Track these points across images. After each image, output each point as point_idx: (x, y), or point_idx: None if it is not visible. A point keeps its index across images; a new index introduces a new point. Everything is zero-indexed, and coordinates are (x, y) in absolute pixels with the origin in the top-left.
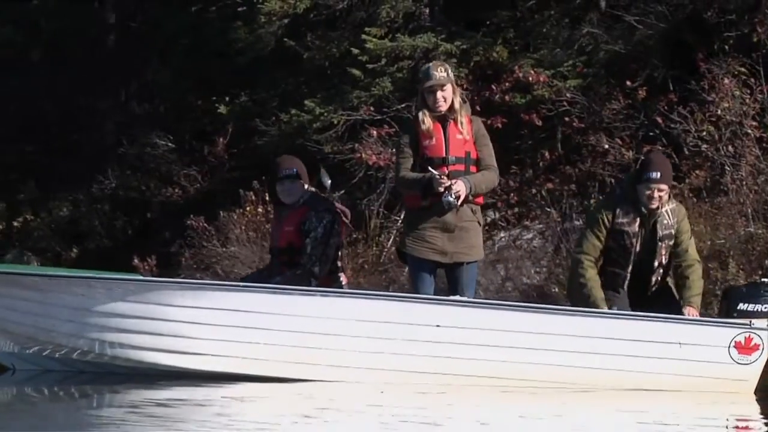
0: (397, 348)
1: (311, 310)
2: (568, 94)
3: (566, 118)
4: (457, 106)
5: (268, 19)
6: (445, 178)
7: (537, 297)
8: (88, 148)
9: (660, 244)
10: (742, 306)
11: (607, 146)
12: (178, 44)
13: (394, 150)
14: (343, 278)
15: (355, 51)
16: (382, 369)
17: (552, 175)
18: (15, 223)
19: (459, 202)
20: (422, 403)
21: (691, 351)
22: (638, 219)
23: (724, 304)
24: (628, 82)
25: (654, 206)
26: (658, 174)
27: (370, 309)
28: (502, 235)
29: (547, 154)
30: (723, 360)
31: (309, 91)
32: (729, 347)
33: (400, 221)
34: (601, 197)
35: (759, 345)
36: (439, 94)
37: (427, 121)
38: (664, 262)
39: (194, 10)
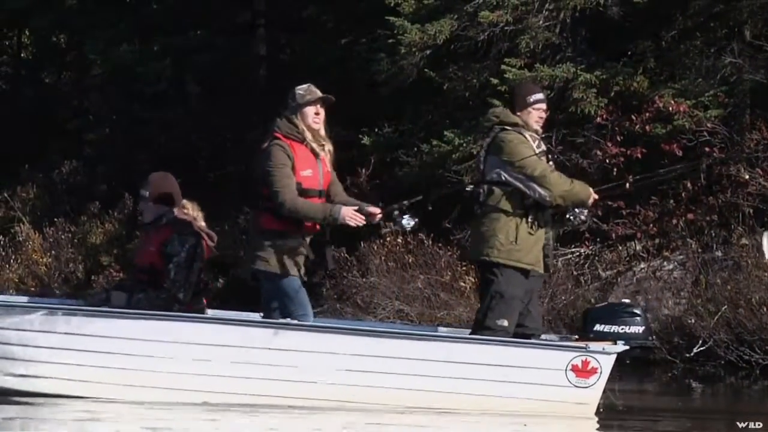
0: (227, 370)
1: (141, 332)
2: (708, 124)
3: (707, 149)
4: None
5: (408, 50)
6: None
7: (675, 329)
8: (236, 179)
9: None
10: (598, 327)
11: (747, 177)
12: (326, 76)
13: None
14: (204, 300)
15: (495, 81)
16: (212, 391)
17: (693, 205)
18: None
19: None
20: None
21: (530, 374)
22: None
23: (582, 325)
24: None
25: None
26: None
27: (200, 332)
28: (642, 266)
29: (689, 184)
30: (561, 383)
31: (451, 122)
32: (566, 370)
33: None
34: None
35: (597, 368)
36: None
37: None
38: None
39: (344, 42)
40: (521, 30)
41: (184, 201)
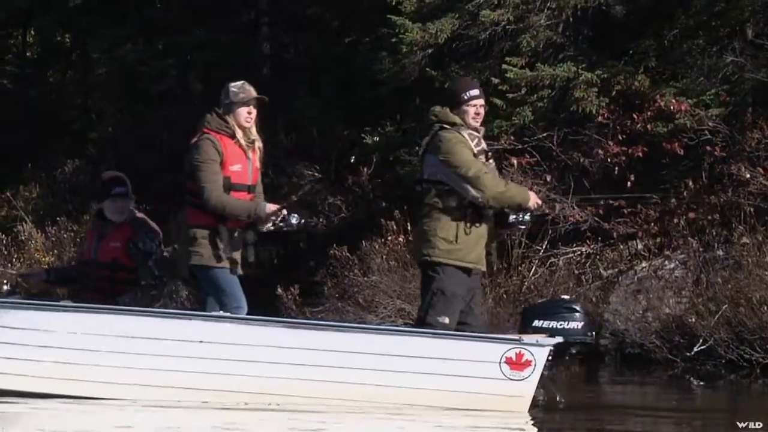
0: (162, 364)
1: (76, 326)
2: (710, 123)
3: (708, 147)
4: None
5: (410, 49)
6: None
7: (676, 328)
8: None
9: None
10: (537, 323)
11: (748, 175)
12: (329, 75)
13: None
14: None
15: (496, 80)
16: (148, 385)
17: (694, 204)
18: (164, 254)
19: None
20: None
21: (464, 367)
22: None
23: (521, 321)
24: None
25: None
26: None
27: (137, 325)
28: (643, 265)
29: (690, 183)
30: (495, 376)
31: None
32: (500, 363)
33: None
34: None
35: (531, 361)
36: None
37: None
38: None
39: (347, 41)
40: (522, 29)
41: None
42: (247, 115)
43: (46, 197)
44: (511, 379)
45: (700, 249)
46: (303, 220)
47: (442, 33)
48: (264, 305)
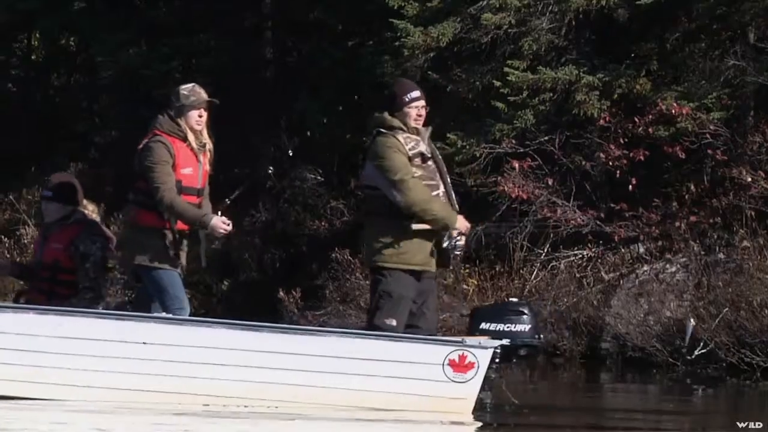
0: (105, 366)
1: (13, 327)
2: (711, 127)
3: (709, 151)
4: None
5: (411, 53)
6: None
7: (677, 331)
8: (242, 181)
9: None
10: (484, 325)
11: (750, 179)
12: (331, 79)
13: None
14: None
15: (497, 83)
16: (91, 387)
17: (696, 208)
18: None
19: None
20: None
21: (407, 369)
22: None
23: (470, 323)
24: None
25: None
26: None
27: (78, 327)
28: (645, 268)
29: (692, 186)
30: (438, 378)
31: (455, 124)
32: (443, 365)
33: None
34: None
35: (474, 363)
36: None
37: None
38: None
39: (350, 44)
40: (524, 32)
41: (85, 201)
42: (198, 118)
43: None
44: (454, 381)
45: (702, 252)
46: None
47: (444, 37)
48: (266, 309)
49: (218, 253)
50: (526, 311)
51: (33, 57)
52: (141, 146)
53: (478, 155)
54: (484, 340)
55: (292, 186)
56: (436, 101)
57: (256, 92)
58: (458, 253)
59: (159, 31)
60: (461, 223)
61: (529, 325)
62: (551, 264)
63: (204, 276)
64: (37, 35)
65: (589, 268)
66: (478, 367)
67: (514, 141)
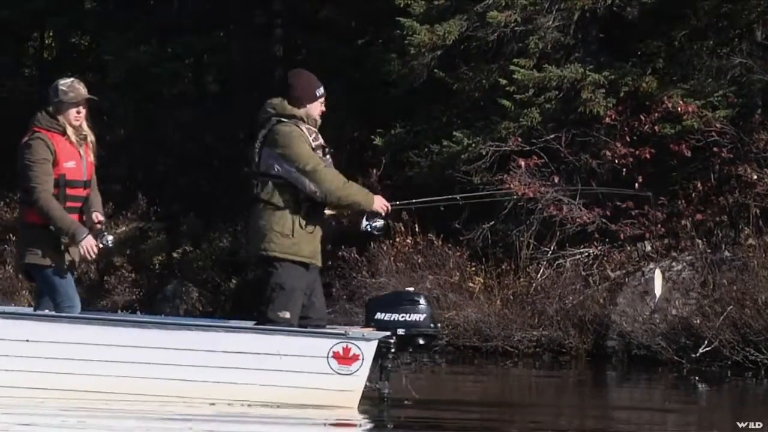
0: None
1: None
2: (717, 125)
3: (715, 149)
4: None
5: (418, 51)
6: None
7: (682, 329)
8: (250, 179)
9: None
10: (379, 315)
11: (756, 177)
12: (340, 77)
13: None
14: None
15: (504, 82)
16: None
17: (702, 206)
18: (174, 255)
19: None
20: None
21: (292, 362)
22: None
23: (365, 314)
24: None
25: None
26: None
27: None
28: (651, 266)
29: (698, 184)
30: (323, 371)
31: (462, 123)
32: (328, 357)
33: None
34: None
35: (358, 355)
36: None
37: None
38: None
39: (360, 43)
40: (531, 30)
41: None
42: (76, 115)
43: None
44: (339, 374)
45: (708, 250)
46: (112, 238)
47: (450, 35)
48: None
49: (225, 251)
50: (421, 301)
51: (45, 55)
52: (21, 144)
53: (484, 153)
54: (368, 332)
55: None
56: (442, 99)
57: (266, 90)
58: (378, 234)
59: (169, 29)
60: (379, 203)
61: (425, 314)
62: (557, 262)
63: (212, 274)
64: (50, 34)
65: (595, 266)
66: (363, 358)
67: (520, 139)
